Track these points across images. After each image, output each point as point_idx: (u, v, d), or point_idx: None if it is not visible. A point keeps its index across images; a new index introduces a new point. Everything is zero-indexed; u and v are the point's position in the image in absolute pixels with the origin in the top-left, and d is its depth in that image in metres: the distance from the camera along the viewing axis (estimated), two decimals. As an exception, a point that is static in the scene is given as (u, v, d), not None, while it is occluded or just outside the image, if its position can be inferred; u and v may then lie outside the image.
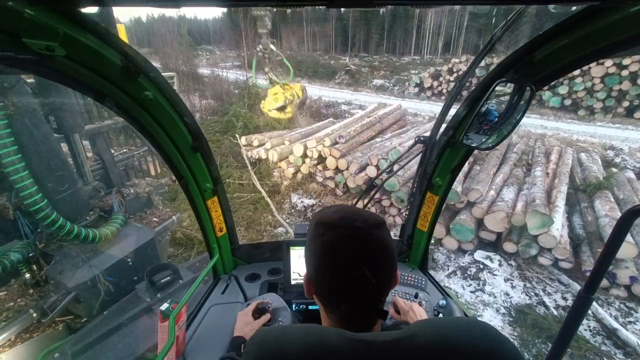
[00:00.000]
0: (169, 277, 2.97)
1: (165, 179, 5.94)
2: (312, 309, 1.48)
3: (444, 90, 16.20)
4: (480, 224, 4.74)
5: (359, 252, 0.60)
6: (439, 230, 4.83)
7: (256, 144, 7.99)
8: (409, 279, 1.52)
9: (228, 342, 1.21)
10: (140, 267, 3.39)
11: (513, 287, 4.19)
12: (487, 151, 6.19)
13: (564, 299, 3.98)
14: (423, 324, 0.53)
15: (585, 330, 3.52)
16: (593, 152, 7.84)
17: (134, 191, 4.40)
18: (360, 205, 1.60)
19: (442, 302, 1.28)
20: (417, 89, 17.51)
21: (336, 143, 6.60)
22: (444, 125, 1.35)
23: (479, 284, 4.24)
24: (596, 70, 11.85)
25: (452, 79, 15.87)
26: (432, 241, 4.93)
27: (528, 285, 4.23)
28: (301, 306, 1.49)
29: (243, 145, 8.17)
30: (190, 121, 1.16)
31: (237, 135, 8.68)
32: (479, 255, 4.68)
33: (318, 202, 6.53)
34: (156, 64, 18.21)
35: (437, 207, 1.52)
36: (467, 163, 6.05)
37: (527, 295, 4.07)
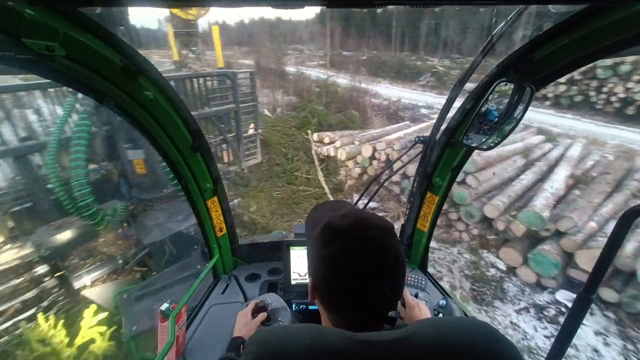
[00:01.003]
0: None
1: (235, 167, 6.53)
2: (312, 309, 1.47)
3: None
4: (569, 259, 4.03)
5: (374, 265, 0.58)
6: (514, 258, 4.28)
7: (327, 141, 8.22)
8: (409, 279, 1.52)
9: (228, 342, 1.21)
10: (198, 239, 3.91)
11: (606, 344, 3.47)
12: (594, 176, 5.63)
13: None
14: (423, 323, 0.52)
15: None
16: None
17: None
18: (359, 204, 1.65)
19: (442, 302, 1.29)
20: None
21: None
22: (444, 125, 1.35)
23: (557, 329, 3.57)
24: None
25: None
26: (504, 269, 4.38)
27: (630, 347, 3.44)
28: (301, 306, 1.48)
29: (314, 142, 8.47)
30: (191, 121, 1.15)
31: (309, 132, 9.03)
32: (563, 295, 3.96)
33: (380, 206, 6.48)
34: (249, 62, 19.91)
35: (437, 207, 1.52)
36: (564, 185, 5.16)
37: (625, 359, 3.31)
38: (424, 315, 1.14)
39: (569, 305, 3.80)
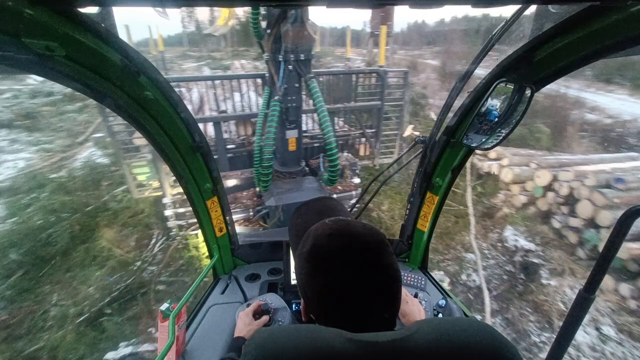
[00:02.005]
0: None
1: (367, 162, 6.56)
2: None
3: None
4: None
5: (370, 294, 0.57)
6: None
7: (492, 156, 7.00)
8: (409, 279, 1.51)
9: (228, 342, 1.22)
10: None
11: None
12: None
13: None
14: (422, 323, 0.52)
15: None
16: None
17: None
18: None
19: (442, 302, 1.28)
20: None
21: (608, 187, 4.85)
22: (444, 126, 1.35)
23: None
24: None
25: None
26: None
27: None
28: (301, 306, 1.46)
29: (477, 154, 7.30)
30: (191, 121, 1.15)
31: None
32: None
33: (540, 251, 5.23)
34: (436, 63, 18.20)
35: (437, 207, 1.53)
36: None
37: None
38: (415, 309, 1.13)
39: None
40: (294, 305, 1.46)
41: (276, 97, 3.92)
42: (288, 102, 4.11)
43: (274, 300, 1.32)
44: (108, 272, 5.03)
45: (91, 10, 0.75)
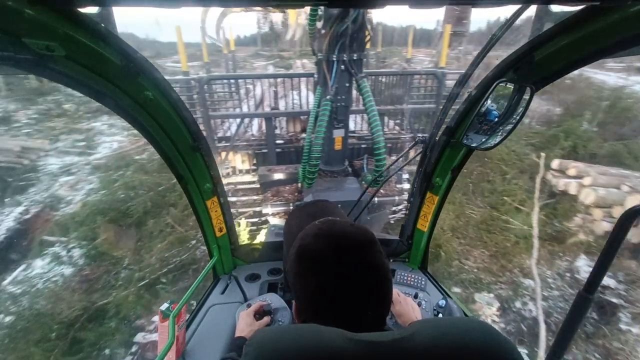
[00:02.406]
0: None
1: (415, 167, 6.50)
2: None
3: None
4: None
5: (357, 294, 0.57)
6: None
7: (572, 173, 6.11)
8: (409, 279, 1.51)
9: (228, 342, 1.22)
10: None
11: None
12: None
13: None
14: (423, 323, 0.52)
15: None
16: None
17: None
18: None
19: (442, 302, 1.29)
20: None
21: None
22: (444, 126, 1.35)
23: None
24: None
25: None
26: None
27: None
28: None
29: (552, 169, 6.52)
30: (191, 121, 1.15)
31: (542, 154, 6.90)
32: None
33: (622, 290, 4.60)
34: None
35: (437, 207, 1.53)
36: None
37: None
38: (409, 308, 1.14)
39: None
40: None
41: (328, 97, 3.98)
42: (338, 101, 4.14)
43: (274, 300, 1.32)
44: (168, 246, 5.64)
45: (91, 10, 0.75)
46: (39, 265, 5.44)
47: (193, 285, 1.33)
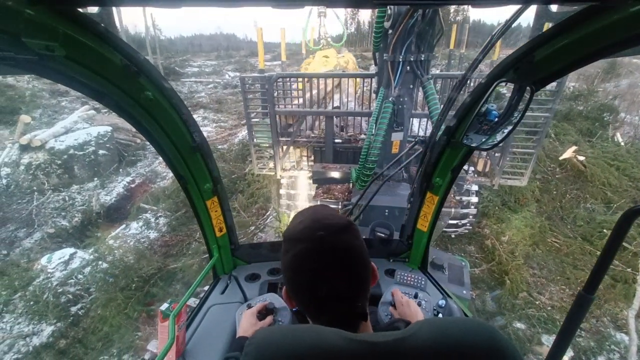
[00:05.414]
0: (382, 234, 3.25)
1: (483, 179, 5.72)
2: None
3: None
4: None
5: (325, 265, 0.61)
6: None
7: None
8: (409, 279, 1.51)
9: (228, 342, 1.23)
10: (390, 217, 4.31)
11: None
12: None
13: None
14: (423, 323, 0.52)
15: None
16: None
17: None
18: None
19: (442, 302, 1.29)
20: None
21: None
22: (444, 126, 1.34)
23: None
24: None
25: None
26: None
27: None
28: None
29: None
30: (191, 121, 1.15)
31: None
32: None
33: None
34: None
35: (437, 207, 1.53)
36: None
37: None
38: (414, 312, 1.14)
39: None
40: None
41: (390, 98, 3.88)
42: (399, 103, 4.01)
43: (274, 300, 1.33)
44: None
45: (91, 10, 0.75)
46: (134, 227, 6.55)
47: (193, 286, 1.33)
